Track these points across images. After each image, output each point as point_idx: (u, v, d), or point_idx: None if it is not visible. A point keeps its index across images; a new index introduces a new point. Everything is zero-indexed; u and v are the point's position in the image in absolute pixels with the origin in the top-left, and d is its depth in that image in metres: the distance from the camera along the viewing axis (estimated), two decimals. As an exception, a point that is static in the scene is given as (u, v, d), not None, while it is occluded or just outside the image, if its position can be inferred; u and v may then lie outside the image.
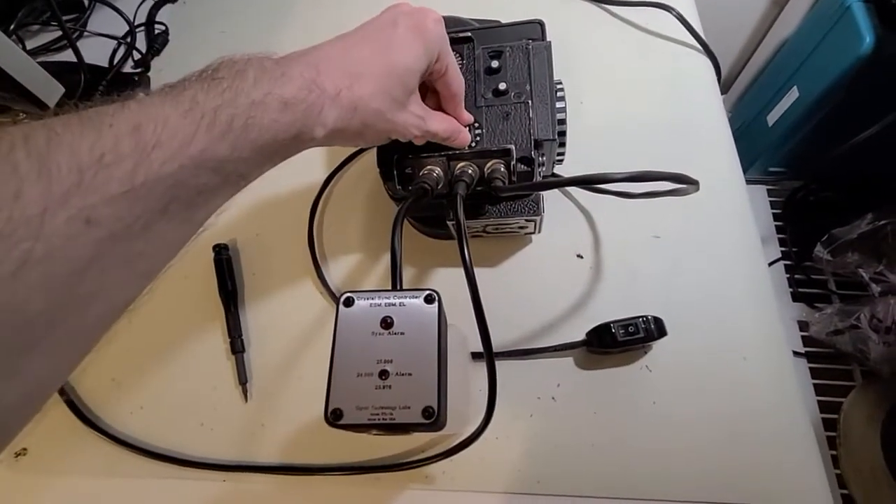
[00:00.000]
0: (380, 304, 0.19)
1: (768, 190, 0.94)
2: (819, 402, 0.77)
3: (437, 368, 0.18)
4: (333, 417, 0.18)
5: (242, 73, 0.20)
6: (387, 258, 0.39)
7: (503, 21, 0.38)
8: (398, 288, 0.21)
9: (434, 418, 0.17)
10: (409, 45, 0.25)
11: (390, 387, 0.18)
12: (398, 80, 0.25)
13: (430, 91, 0.30)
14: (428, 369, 0.18)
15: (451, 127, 0.29)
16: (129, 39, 0.52)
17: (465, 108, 0.31)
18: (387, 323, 0.19)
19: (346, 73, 0.23)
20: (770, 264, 0.87)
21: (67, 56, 0.51)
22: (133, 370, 0.37)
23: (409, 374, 0.18)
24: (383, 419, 0.17)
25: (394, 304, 0.19)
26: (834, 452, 0.70)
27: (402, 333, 0.18)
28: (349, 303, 0.19)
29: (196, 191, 0.19)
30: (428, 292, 0.19)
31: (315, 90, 0.22)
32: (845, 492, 0.68)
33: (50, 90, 0.33)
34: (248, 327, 0.38)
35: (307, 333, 0.37)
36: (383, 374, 0.18)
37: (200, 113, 0.18)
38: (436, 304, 0.19)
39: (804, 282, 0.87)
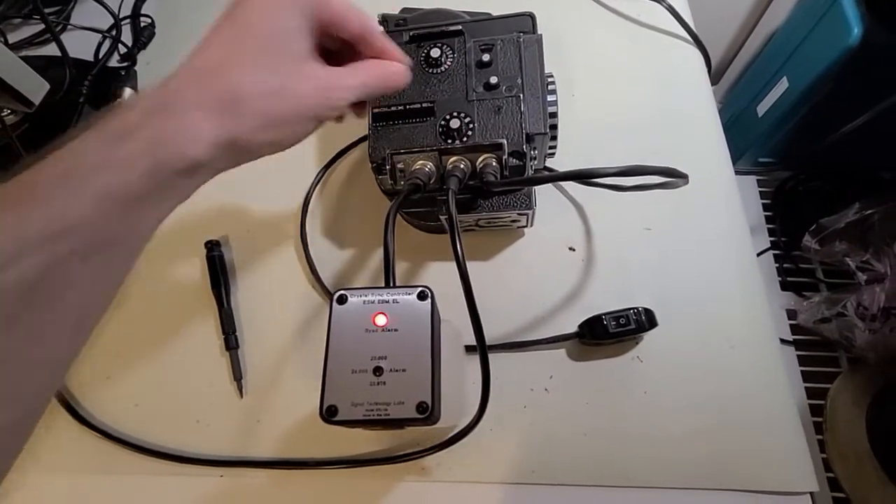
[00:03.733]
0: (373, 302, 0.19)
1: (758, 180, 0.95)
2: (806, 388, 0.78)
3: (431, 364, 0.18)
4: (328, 414, 0.18)
5: (76, 151, 0.17)
6: (379, 252, 0.39)
7: (493, 13, 0.37)
8: (391, 285, 0.21)
9: (428, 413, 0.17)
10: (271, 6, 0.21)
11: (384, 383, 0.18)
12: (276, 51, 0.21)
13: (346, 55, 0.25)
14: (421, 365, 0.18)
15: (376, 71, 0.24)
16: (114, 33, 0.51)
17: (457, 103, 0.31)
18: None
19: (210, 70, 0.20)
20: (759, 254, 0.89)
21: (51, 50, 0.50)
22: (127, 367, 0.37)
23: (403, 370, 0.18)
24: (378, 415, 0.17)
25: (387, 301, 0.19)
26: (820, 437, 0.72)
27: (395, 330, 0.19)
28: (342, 300, 0.19)
29: (62, 283, 0.16)
30: (421, 289, 0.19)
31: (159, 111, 0.18)
32: (831, 475, 0.70)
33: (35, 87, 0.33)
34: (241, 323, 0.38)
35: (301, 329, 0.37)
36: (377, 371, 0.18)
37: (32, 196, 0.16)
38: (429, 300, 0.19)
39: (793, 271, 0.88)
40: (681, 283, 0.37)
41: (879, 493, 0.65)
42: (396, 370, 0.18)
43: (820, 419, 0.73)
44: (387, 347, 0.18)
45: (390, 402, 0.18)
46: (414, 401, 0.17)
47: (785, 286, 0.87)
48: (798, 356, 0.81)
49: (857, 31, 0.63)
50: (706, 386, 0.34)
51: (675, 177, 0.25)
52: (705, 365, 0.34)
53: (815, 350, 0.81)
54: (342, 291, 0.20)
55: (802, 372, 0.80)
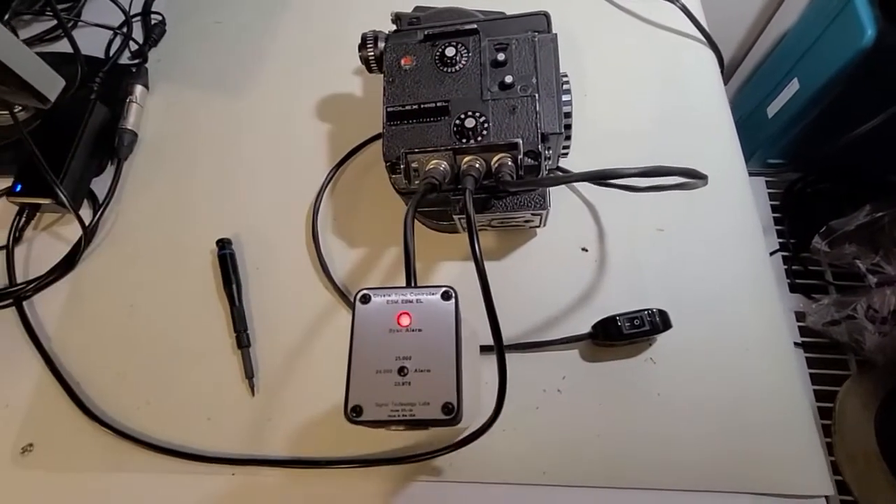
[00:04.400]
0: (396, 301, 0.19)
1: (767, 181, 0.94)
2: (815, 390, 0.78)
3: (456, 364, 0.18)
4: (354, 414, 0.18)
5: None
6: (392, 251, 0.39)
7: (507, 12, 0.37)
8: (413, 284, 0.21)
9: (454, 414, 0.17)
10: None
11: (409, 383, 0.18)
12: None
13: None
14: (446, 365, 0.18)
15: None
16: (125, 30, 0.51)
17: (472, 102, 0.31)
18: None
19: None
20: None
21: (61, 47, 0.50)
22: (139, 365, 0.37)
23: (428, 371, 0.18)
24: (403, 415, 0.17)
25: (410, 301, 0.19)
26: (829, 440, 0.72)
27: (419, 330, 0.18)
28: (366, 300, 0.19)
29: None
30: (445, 289, 0.19)
31: None
32: (839, 478, 0.69)
33: (51, 83, 0.33)
34: (253, 322, 0.38)
35: (313, 327, 0.37)
36: (402, 371, 0.18)
37: None
38: (453, 300, 0.19)
39: (802, 273, 0.88)
40: (694, 284, 0.37)
41: (888, 497, 0.65)
42: (421, 370, 0.18)
43: (828, 422, 0.72)
44: (411, 348, 0.18)
45: (415, 402, 0.17)
46: (439, 401, 0.17)
47: (794, 288, 0.87)
48: (807, 358, 0.80)
49: (870, 32, 0.63)
50: (720, 388, 0.34)
51: (694, 177, 0.24)
52: (719, 367, 0.34)
53: (823, 352, 0.80)
54: (365, 291, 0.20)
55: (811, 374, 0.79)
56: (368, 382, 0.18)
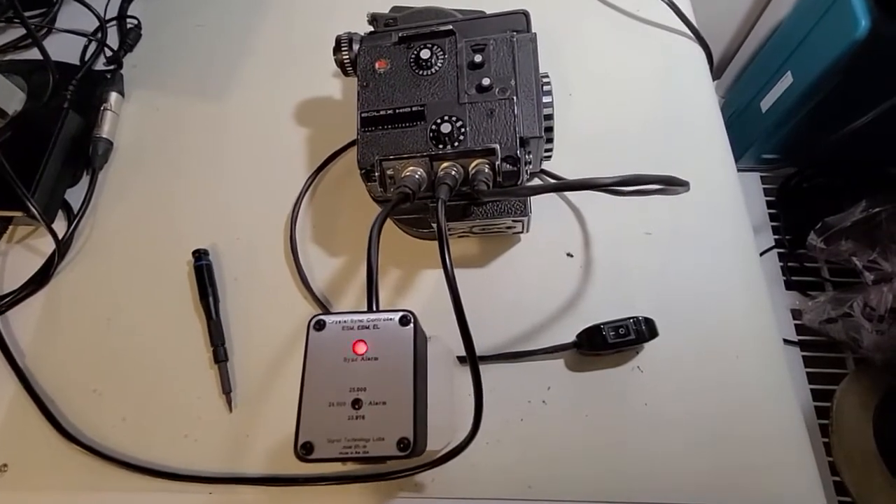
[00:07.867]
0: (352, 328, 0.18)
1: (762, 177, 0.93)
2: (812, 390, 0.77)
3: (413, 396, 0.17)
4: (304, 451, 0.17)
5: None
6: (372, 260, 0.38)
7: (487, 11, 0.36)
8: (374, 308, 0.20)
9: (409, 450, 0.16)
10: None
11: (363, 417, 0.17)
12: None
13: None
14: (403, 397, 0.17)
15: None
16: (99, 35, 0.50)
17: (448, 106, 0.30)
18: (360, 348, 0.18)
19: None
20: (763, 252, 0.87)
21: (37, 53, 0.49)
22: (115, 381, 0.36)
23: (383, 403, 0.17)
24: (356, 452, 0.16)
25: (367, 327, 0.18)
26: (826, 440, 0.71)
27: (375, 359, 0.17)
28: (320, 326, 0.18)
29: None
30: (403, 313, 0.18)
31: None
32: (837, 478, 0.68)
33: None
34: (230, 335, 0.37)
35: (292, 340, 0.36)
36: (356, 404, 0.17)
37: None
38: (411, 325, 0.18)
39: (797, 270, 0.87)
40: (682, 289, 0.36)
41: (886, 497, 0.64)
42: (376, 403, 0.17)
43: (826, 421, 0.71)
44: (366, 378, 0.17)
45: (369, 437, 0.16)
46: (394, 437, 0.16)
47: (790, 285, 0.86)
48: (803, 357, 0.79)
49: (864, 23, 0.61)
50: (709, 397, 0.33)
51: (674, 185, 0.23)
52: (708, 375, 0.33)
53: (820, 351, 0.79)
54: (320, 316, 0.18)
55: (808, 373, 0.78)
56: (321, 417, 0.17)
